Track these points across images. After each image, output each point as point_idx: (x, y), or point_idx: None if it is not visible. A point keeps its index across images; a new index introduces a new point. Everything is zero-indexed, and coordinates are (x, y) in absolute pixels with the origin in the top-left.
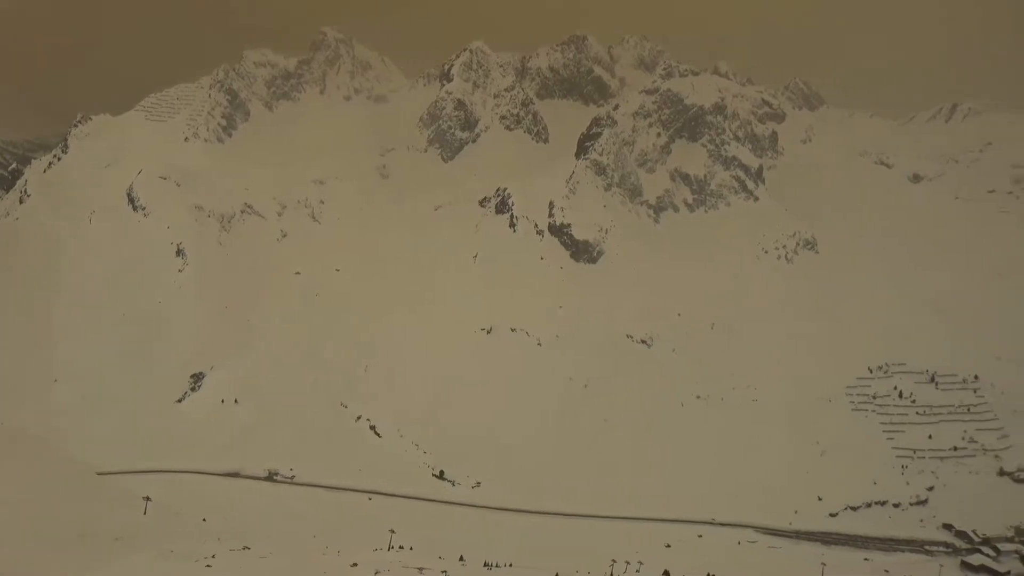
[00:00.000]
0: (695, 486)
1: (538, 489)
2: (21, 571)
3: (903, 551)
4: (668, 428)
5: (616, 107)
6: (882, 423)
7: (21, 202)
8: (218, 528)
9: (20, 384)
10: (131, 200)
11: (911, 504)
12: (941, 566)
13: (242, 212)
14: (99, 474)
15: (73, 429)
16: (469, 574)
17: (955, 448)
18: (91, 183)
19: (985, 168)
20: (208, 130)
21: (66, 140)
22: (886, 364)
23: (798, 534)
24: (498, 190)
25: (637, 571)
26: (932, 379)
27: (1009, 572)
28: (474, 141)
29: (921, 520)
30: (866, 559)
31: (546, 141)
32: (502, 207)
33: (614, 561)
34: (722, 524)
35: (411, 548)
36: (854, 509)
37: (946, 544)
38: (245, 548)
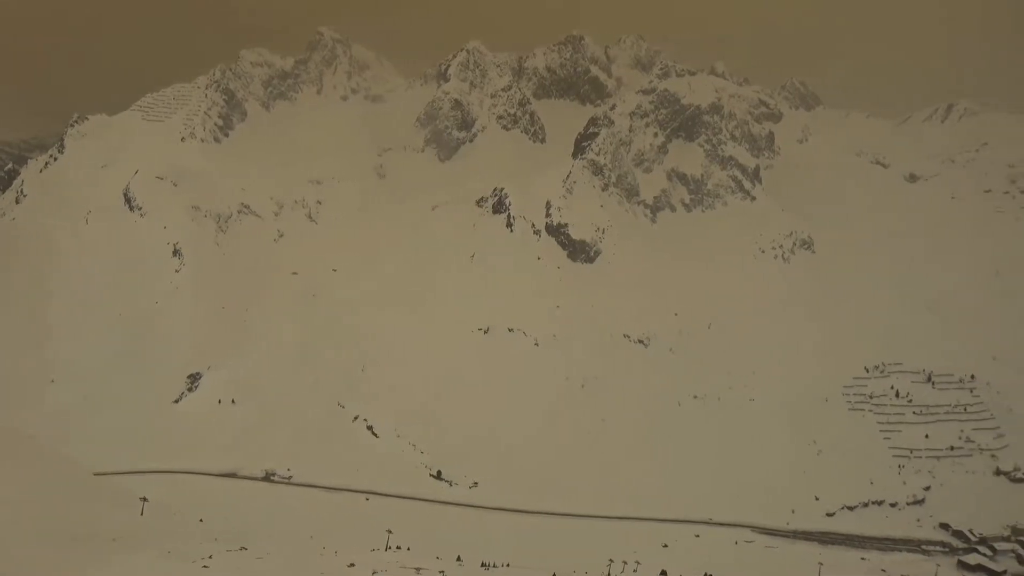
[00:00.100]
0: (692, 486)
1: (535, 489)
2: (17, 572)
3: (900, 550)
4: (665, 428)
5: (613, 107)
6: (879, 423)
7: (17, 202)
8: (215, 528)
9: (17, 384)
10: (128, 200)
11: (908, 504)
12: (938, 565)
13: (239, 212)
14: (96, 474)
15: (70, 429)
16: (466, 574)
17: (952, 448)
18: (87, 183)
19: (981, 168)
20: (205, 130)
21: (62, 140)
22: (883, 364)
23: (795, 534)
24: (495, 190)
25: (634, 571)
26: (929, 379)
27: (1006, 571)
28: (471, 141)
29: (918, 519)
30: (863, 559)
31: (543, 141)
32: (499, 207)
33: (611, 561)
34: (719, 524)
35: (408, 548)
36: (851, 509)
37: (943, 543)
38: (242, 548)
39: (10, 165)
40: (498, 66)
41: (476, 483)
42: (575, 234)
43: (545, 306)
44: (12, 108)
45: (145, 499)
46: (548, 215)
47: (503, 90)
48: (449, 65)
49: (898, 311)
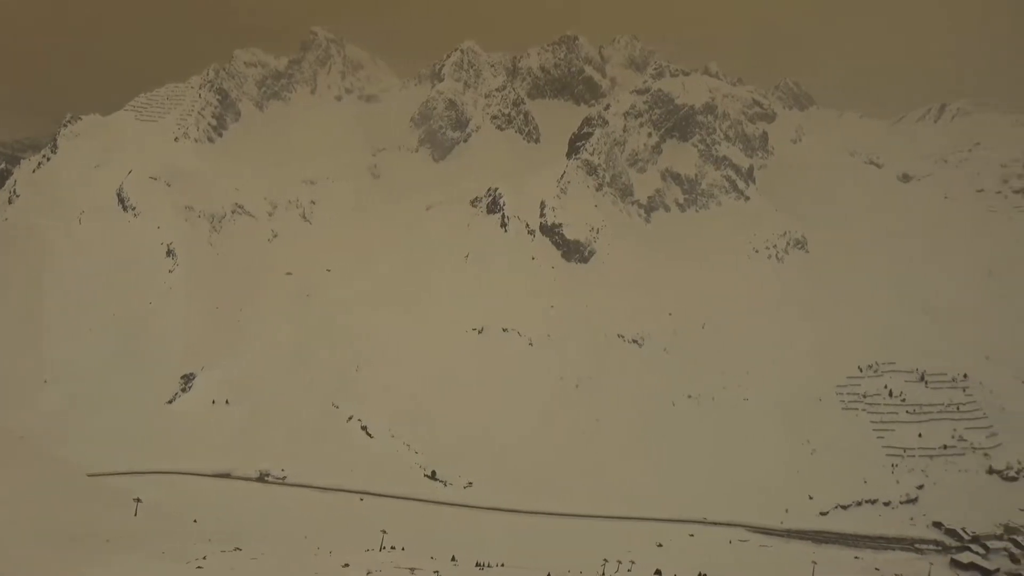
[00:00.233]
0: (687, 485)
1: (530, 489)
2: (11, 572)
3: (893, 549)
4: (659, 427)
5: (607, 107)
6: (872, 422)
7: (10, 202)
8: (209, 529)
9: (10, 385)
10: (121, 200)
11: (901, 502)
12: (931, 564)
13: (233, 212)
14: (90, 475)
15: (63, 430)
16: (461, 574)
17: (945, 447)
18: (81, 183)
19: (974, 168)
20: (198, 130)
21: (55, 140)
22: (876, 363)
23: (789, 533)
24: (489, 190)
25: (629, 570)
26: (922, 378)
27: (998, 570)
28: (465, 141)
29: (911, 518)
30: (856, 557)
31: (537, 141)
32: (493, 207)
33: (606, 560)
34: (714, 523)
35: (403, 548)
36: (844, 508)
37: (936, 542)
38: (236, 549)
39: (3, 165)
40: (492, 66)
41: (470, 483)
42: (569, 234)
43: (539, 306)
44: (5, 108)
45: (139, 500)
46: (542, 215)
47: (497, 90)
48: (443, 65)
49: (892, 311)
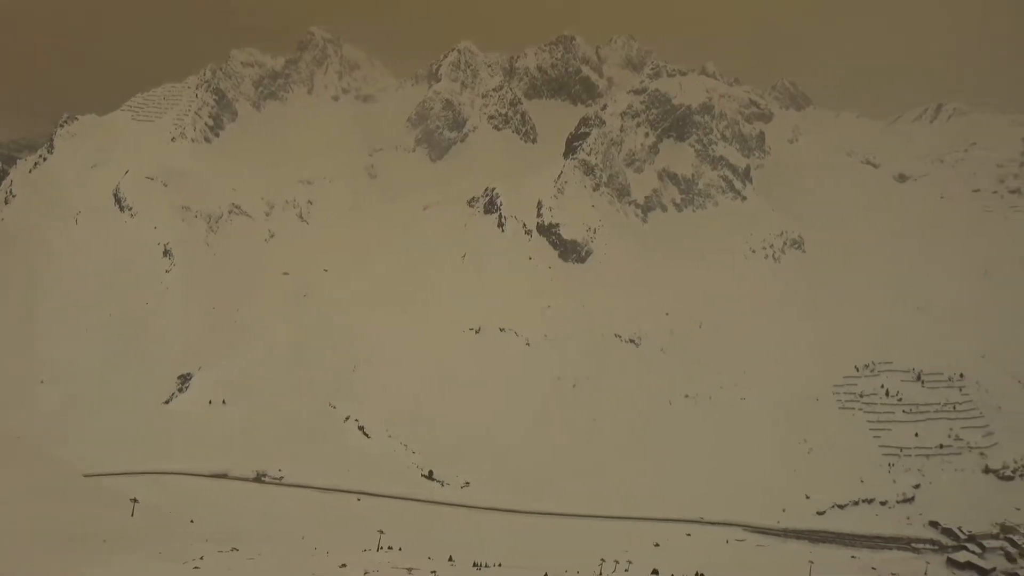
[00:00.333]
0: (684, 485)
1: (527, 489)
2: (6, 574)
3: (890, 549)
4: (656, 427)
5: (604, 107)
6: (869, 421)
7: (6, 202)
8: (206, 529)
9: (6, 385)
10: (118, 200)
11: (898, 502)
12: (928, 563)
13: (230, 212)
14: (86, 476)
15: (60, 431)
16: (458, 574)
17: (941, 446)
18: (77, 183)
19: (970, 168)
20: (195, 130)
21: (52, 140)
22: (873, 363)
23: (786, 532)
24: (486, 190)
25: (626, 570)
26: (918, 377)
27: (995, 569)
28: (462, 141)
29: (908, 517)
30: (853, 557)
31: (534, 141)
32: (490, 207)
33: (603, 560)
34: (710, 523)
35: (400, 549)
36: (841, 507)
37: (932, 541)
38: (233, 549)
39: None
40: (489, 66)
41: (468, 483)
42: (566, 234)
43: (536, 306)
44: (1, 108)
45: (136, 500)
46: (539, 215)
47: (494, 90)
48: (440, 65)
49: (888, 310)
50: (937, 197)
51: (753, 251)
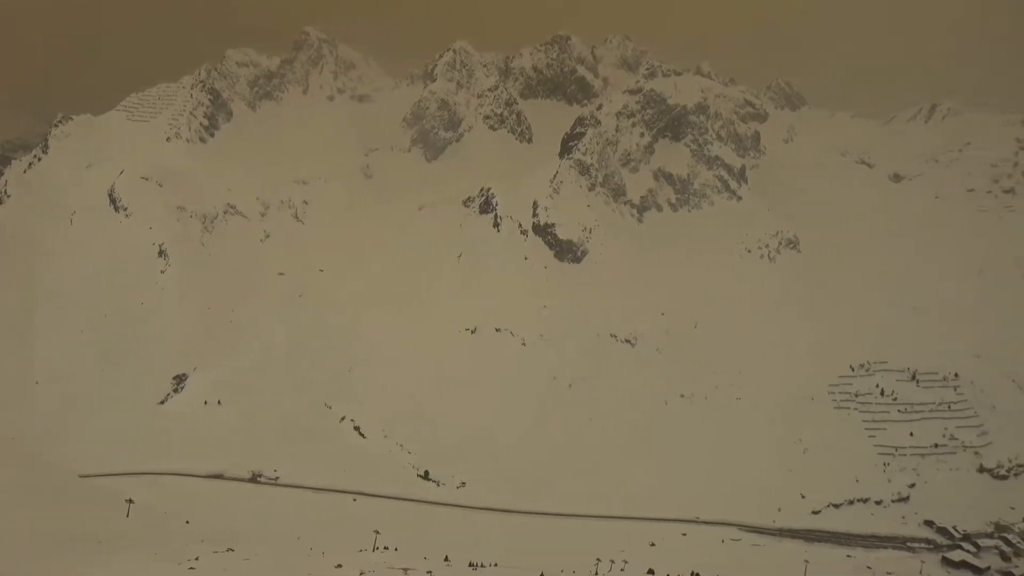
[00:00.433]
0: (679, 485)
1: (523, 489)
2: (2, 574)
3: (885, 548)
4: (652, 427)
5: (599, 107)
6: (864, 421)
7: (1, 203)
8: (202, 530)
9: (1, 386)
10: (113, 201)
11: (893, 501)
12: (923, 562)
13: (225, 213)
14: (82, 476)
15: (55, 431)
16: (454, 574)
17: (936, 445)
18: (72, 183)
19: (965, 167)
20: (190, 130)
21: (46, 140)
22: (868, 362)
23: (781, 532)
24: (482, 190)
25: (622, 570)
26: (913, 377)
27: (989, 567)
28: (458, 141)
29: (903, 517)
30: (849, 556)
31: (530, 141)
32: (486, 207)
33: (599, 560)
34: (706, 522)
35: (396, 549)
36: (837, 506)
37: (927, 540)
38: (229, 550)
39: None
40: (485, 66)
41: (464, 483)
42: (562, 234)
43: (532, 306)
44: None
45: (131, 501)
46: (535, 215)
47: (490, 90)
48: (436, 65)
49: (883, 310)
50: (932, 197)
51: (748, 251)
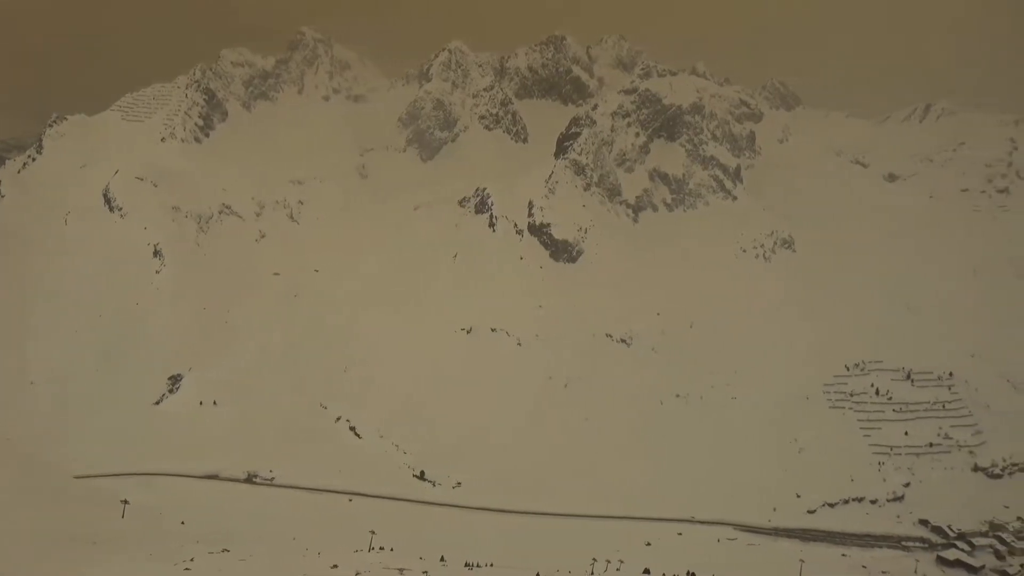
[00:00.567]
0: (675, 484)
1: (519, 489)
2: None
3: (880, 547)
4: (648, 427)
5: (595, 107)
6: (859, 420)
7: None
8: (197, 531)
9: None
10: (107, 201)
11: (888, 500)
12: (917, 561)
13: (220, 213)
14: (76, 477)
15: (49, 432)
16: (450, 574)
17: (931, 444)
18: (67, 184)
19: (959, 167)
20: (185, 130)
21: (41, 140)
22: (863, 362)
23: (777, 531)
24: (477, 190)
25: (617, 569)
26: (908, 376)
27: (984, 566)
28: (453, 141)
29: (898, 516)
30: (844, 555)
31: (525, 141)
32: (481, 207)
33: (595, 560)
34: (702, 522)
35: (392, 549)
36: (832, 506)
37: (922, 539)
38: (224, 551)
39: None
40: (480, 66)
41: (459, 483)
42: (557, 234)
43: (528, 306)
44: None
45: (126, 502)
46: (530, 215)
47: (485, 90)
48: (431, 65)
49: (878, 309)
50: (926, 197)
51: (744, 251)
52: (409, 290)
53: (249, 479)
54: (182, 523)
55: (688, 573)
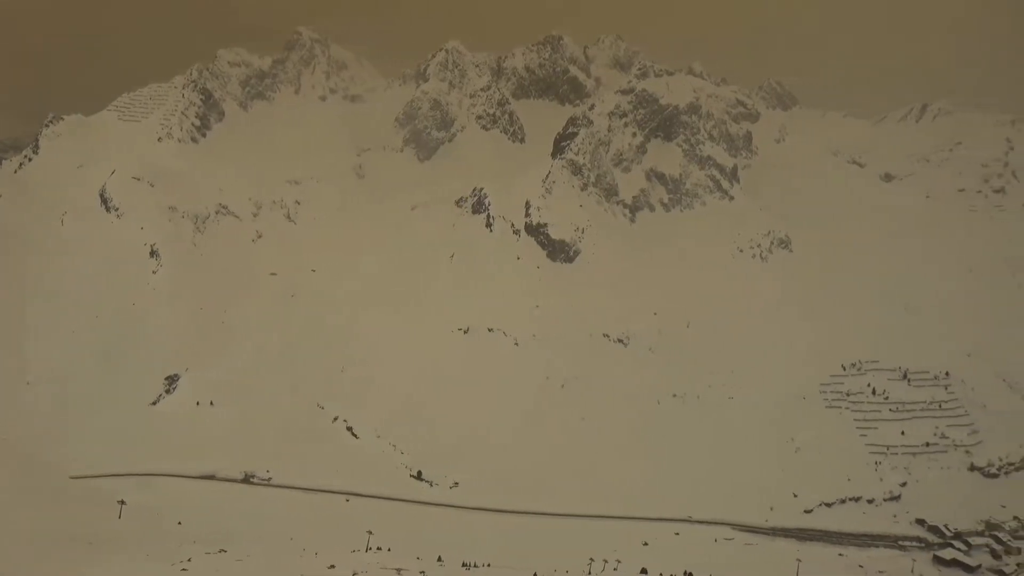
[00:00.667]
0: (672, 484)
1: (516, 489)
2: None
3: (877, 546)
4: (645, 426)
5: (592, 107)
6: (856, 420)
7: None
8: (194, 531)
9: None
10: (104, 201)
11: (884, 500)
12: (914, 560)
13: (217, 213)
14: (73, 477)
15: (46, 432)
16: (447, 574)
17: (927, 444)
18: (63, 184)
19: (955, 167)
20: (182, 130)
21: (37, 140)
22: (859, 361)
23: (774, 531)
24: (474, 190)
25: (615, 569)
26: (904, 376)
27: (980, 566)
28: (450, 141)
29: (894, 515)
30: (841, 555)
31: (522, 141)
32: (478, 207)
33: (592, 560)
34: (699, 522)
35: (389, 549)
36: (829, 505)
37: (919, 539)
38: (221, 551)
39: None
40: (477, 66)
41: (456, 483)
42: (554, 234)
43: (525, 306)
44: None
45: (123, 502)
46: (527, 215)
47: (482, 90)
48: (428, 65)
49: (874, 309)
50: (923, 196)
51: (741, 251)
52: (406, 290)
53: (246, 479)
54: (179, 523)
55: (685, 573)
